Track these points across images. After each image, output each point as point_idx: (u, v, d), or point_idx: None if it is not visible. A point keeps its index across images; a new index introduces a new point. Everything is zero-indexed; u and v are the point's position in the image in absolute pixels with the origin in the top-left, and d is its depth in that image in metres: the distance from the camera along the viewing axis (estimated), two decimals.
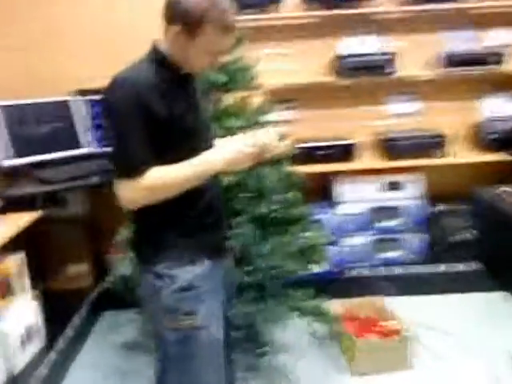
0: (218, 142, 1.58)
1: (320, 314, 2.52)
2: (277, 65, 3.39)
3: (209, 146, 1.52)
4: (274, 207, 2.47)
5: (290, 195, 2.52)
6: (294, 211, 2.54)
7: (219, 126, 2.36)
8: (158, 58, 1.48)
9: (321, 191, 3.49)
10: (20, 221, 2.32)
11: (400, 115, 3.59)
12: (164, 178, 1.41)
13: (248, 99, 2.57)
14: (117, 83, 1.40)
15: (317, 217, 3.19)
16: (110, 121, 1.42)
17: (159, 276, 1.49)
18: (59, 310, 2.82)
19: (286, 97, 3.47)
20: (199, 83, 1.64)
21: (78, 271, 3.10)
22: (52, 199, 2.60)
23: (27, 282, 2.53)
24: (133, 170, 1.38)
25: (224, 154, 1.44)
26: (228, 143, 1.49)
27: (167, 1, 1.41)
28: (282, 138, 1.52)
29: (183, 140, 1.47)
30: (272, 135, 1.49)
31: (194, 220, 1.52)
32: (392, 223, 3.39)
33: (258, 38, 3.31)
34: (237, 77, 2.48)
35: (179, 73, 1.50)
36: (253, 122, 2.50)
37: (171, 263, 1.49)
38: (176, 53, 1.46)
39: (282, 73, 3.39)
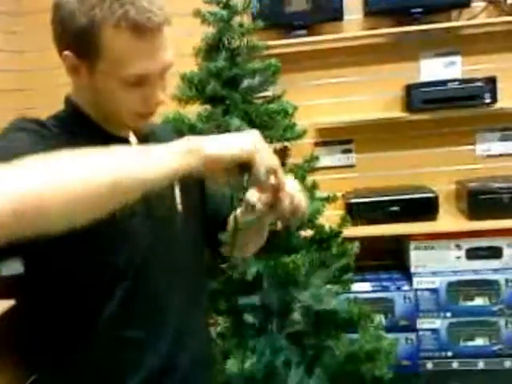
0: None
1: None
2: (330, 99, 2.73)
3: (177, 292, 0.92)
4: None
5: (335, 288, 1.80)
6: (342, 311, 1.81)
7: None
8: (69, 115, 0.90)
9: (389, 258, 2.74)
10: None
11: (492, 157, 2.77)
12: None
13: (285, 153, 1.88)
14: None
15: (383, 294, 2.54)
16: None
17: None
18: None
19: (342, 137, 2.77)
20: None
21: None
22: None
23: None
24: None
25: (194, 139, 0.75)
26: None
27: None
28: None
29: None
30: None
31: None
32: (478, 302, 2.59)
33: (307, 65, 2.70)
34: (269, 124, 1.80)
35: (103, 137, 0.87)
36: None
37: None
38: (84, 97, 0.89)
39: (337, 108, 2.72)
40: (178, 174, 0.71)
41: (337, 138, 2.76)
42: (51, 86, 2.49)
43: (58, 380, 0.88)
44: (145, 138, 0.94)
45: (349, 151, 2.79)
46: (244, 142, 0.74)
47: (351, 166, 2.81)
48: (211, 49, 1.82)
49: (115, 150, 0.69)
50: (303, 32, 2.64)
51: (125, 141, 0.92)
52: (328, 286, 1.84)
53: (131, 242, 0.86)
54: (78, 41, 0.80)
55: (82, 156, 0.65)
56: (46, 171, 0.62)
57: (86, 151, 0.66)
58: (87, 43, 0.80)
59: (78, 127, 0.87)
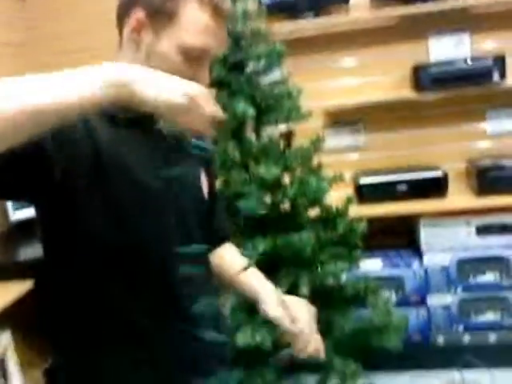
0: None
1: None
2: (338, 80, 2.74)
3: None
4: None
5: (342, 265, 1.85)
6: (349, 286, 1.87)
7: (248, 177, 1.75)
8: None
9: (399, 237, 2.77)
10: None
11: (503, 135, 2.77)
12: None
13: (290, 136, 1.93)
14: None
15: (394, 272, 2.56)
16: None
17: None
18: None
19: (350, 118, 2.79)
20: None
21: None
22: None
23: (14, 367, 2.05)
24: None
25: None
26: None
27: None
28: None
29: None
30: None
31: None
32: (489, 278, 2.61)
33: (314, 48, 2.70)
34: (274, 107, 1.85)
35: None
36: (296, 166, 1.86)
37: None
38: (133, 62, 0.82)
39: (345, 89, 2.74)
40: (97, 105, 0.71)
41: (345, 119, 2.78)
42: None
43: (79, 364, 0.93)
44: None
45: (357, 132, 2.82)
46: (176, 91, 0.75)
47: (360, 147, 2.84)
48: None
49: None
50: (310, 14, 2.65)
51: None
52: (337, 263, 1.90)
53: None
54: (158, 3, 0.86)
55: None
56: None
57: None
58: (167, 7, 0.86)
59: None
